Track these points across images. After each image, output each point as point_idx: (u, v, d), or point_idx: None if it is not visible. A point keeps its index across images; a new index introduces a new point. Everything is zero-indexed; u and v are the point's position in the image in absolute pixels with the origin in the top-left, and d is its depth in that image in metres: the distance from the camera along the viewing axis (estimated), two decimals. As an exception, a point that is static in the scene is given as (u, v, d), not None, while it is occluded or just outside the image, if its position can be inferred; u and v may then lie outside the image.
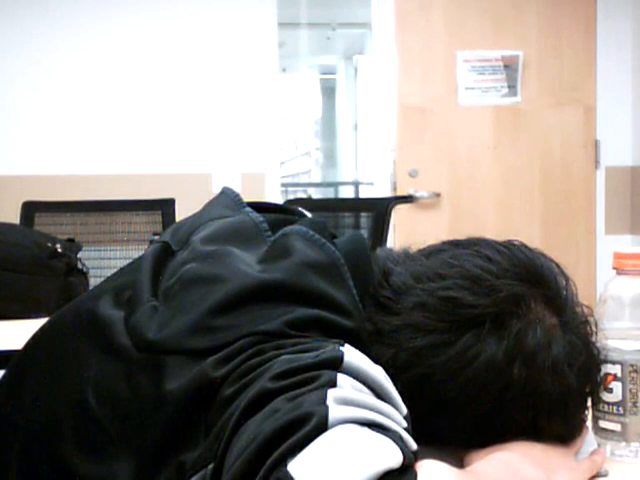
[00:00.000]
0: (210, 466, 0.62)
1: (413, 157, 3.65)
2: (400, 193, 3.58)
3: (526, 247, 0.82)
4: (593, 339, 0.80)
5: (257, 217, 0.87)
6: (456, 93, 3.68)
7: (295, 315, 0.72)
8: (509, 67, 3.70)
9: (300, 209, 0.95)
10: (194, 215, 0.93)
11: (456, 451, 0.77)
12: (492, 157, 3.70)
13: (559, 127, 3.70)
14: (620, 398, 0.85)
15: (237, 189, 0.95)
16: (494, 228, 3.58)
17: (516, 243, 0.83)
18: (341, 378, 0.62)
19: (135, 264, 0.87)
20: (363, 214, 2.69)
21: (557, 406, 0.77)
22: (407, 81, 3.62)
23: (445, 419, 0.77)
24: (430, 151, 3.67)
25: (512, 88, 3.71)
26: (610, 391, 0.85)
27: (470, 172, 3.69)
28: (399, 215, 3.50)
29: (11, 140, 3.67)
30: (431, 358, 0.75)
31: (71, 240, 2.09)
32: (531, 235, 3.58)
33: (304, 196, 7.18)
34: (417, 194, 3.63)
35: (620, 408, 0.85)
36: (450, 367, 0.75)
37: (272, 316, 0.72)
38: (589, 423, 0.85)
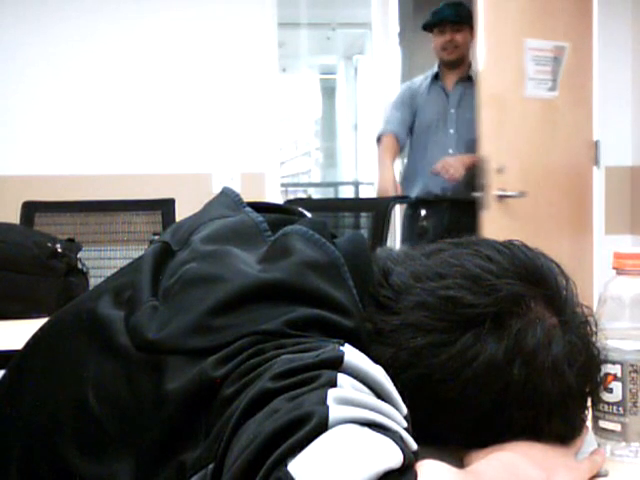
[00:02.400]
0: (210, 466, 0.62)
1: (494, 152, 3.33)
2: (493, 193, 3.26)
3: (526, 247, 0.83)
4: (593, 339, 0.80)
5: (257, 217, 0.87)
6: (524, 83, 3.42)
7: (295, 315, 0.72)
8: (556, 59, 3.52)
9: (300, 209, 0.95)
10: (194, 215, 0.93)
11: (456, 451, 0.77)
12: (540, 154, 3.50)
13: (563, 126, 3.66)
14: (620, 398, 0.85)
15: (237, 189, 0.95)
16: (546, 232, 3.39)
17: (516, 243, 0.83)
18: (341, 378, 0.62)
19: (135, 264, 0.87)
20: (363, 214, 2.69)
21: (557, 406, 0.77)
22: (492, 71, 3.33)
23: (445, 419, 0.77)
24: (509, 145, 3.39)
25: (554, 82, 3.53)
26: (610, 391, 0.85)
27: (537, 169, 3.45)
28: (487, 217, 3.25)
29: (11, 140, 3.67)
30: (431, 358, 0.75)
31: (71, 240, 2.09)
32: (560, 235, 3.51)
33: (304, 196, 7.19)
34: (505, 193, 3.30)
35: (620, 408, 0.85)
36: (450, 367, 0.75)
37: (272, 316, 0.72)
38: (589, 423, 0.85)
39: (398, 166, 3.68)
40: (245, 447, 0.57)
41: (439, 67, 3.53)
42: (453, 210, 3.38)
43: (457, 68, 3.47)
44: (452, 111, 3.42)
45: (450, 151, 3.36)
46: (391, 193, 3.28)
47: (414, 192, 3.44)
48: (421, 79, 3.65)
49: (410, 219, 3.50)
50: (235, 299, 0.73)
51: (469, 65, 3.48)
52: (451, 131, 3.41)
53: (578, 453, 0.80)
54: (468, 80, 3.44)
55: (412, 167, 3.55)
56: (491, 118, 3.34)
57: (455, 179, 3.24)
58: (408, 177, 3.56)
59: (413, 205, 3.47)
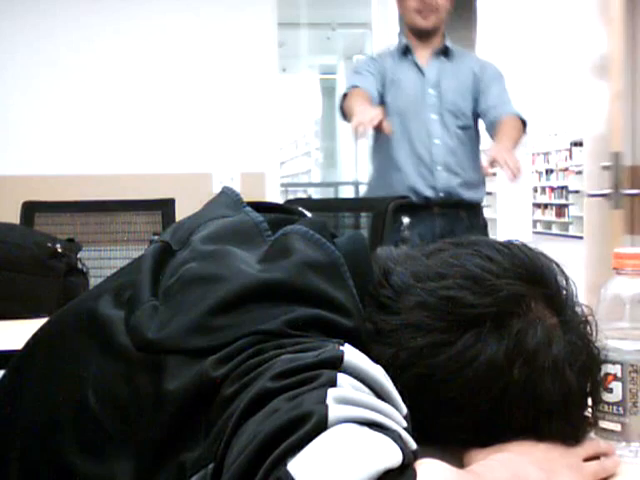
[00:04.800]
0: (210, 466, 0.62)
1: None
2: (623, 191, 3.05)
3: (526, 247, 0.83)
4: (593, 339, 0.80)
5: (257, 217, 0.87)
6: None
7: (295, 315, 0.72)
8: None
9: (300, 209, 0.95)
10: (194, 215, 0.93)
11: (456, 451, 0.77)
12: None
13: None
14: (620, 398, 0.85)
15: (237, 189, 0.95)
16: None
17: (516, 243, 0.83)
18: (341, 378, 0.62)
19: (135, 264, 0.87)
20: (363, 214, 2.68)
21: (558, 406, 0.77)
22: (624, 61, 3.17)
23: (445, 419, 0.77)
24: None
25: None
26: (610, 391, 0.85)
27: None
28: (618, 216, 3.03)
29: (11, 140, 3.67)
30: (431, 358, 0.75)
31: (71, 240, 2.08)
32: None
33: (304, 196, 7.19)
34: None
35: (620, 408, 0.85)
36: (450, 367, 0.75)
37: (272, 316, 0.72)
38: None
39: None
40: (245, 447, 0.57)
41: (408, 38, 2.79)
42: (448, 216, 2.70)
43: (431, 39, 2.75)
44: (431, 92, 2.72)
45: (436, 141, 2.69)
46: (369, 112, 2.39)
47: (390, 194, 2.62)
48: (385, 53, 2.87)
49: (389, 229, 2.58)
50: (235, 299, 0.73)
51: (443, 36, 2.78)
52: (433, 117, 2.70)
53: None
54: (444, 54, 2.77)
55: (385, 162, 2.73)
56: (624, 112, 3.15)
57: (517, 176, 2.38)
58: (380, 175, 2.78)
59: (392, 211, 2.59)
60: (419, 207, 2.64)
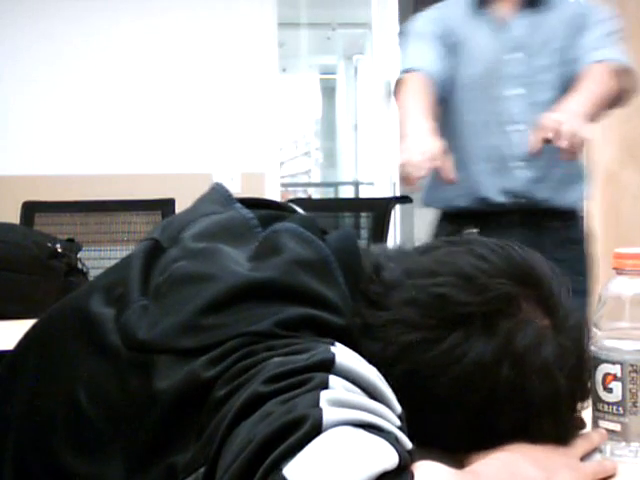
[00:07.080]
0: (201, 469, 0.61)
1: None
2: None
3: (522, 248, 0.82)
4: (585, 342, 0.80)
5: (247, 213, 0.87)
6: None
7: (285, 315, 0.72)
8: None
9: (291, 205, 0.94)
10: (184, 212, 0.93)
11: (455, 451, 0.76)
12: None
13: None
14: (620, 398, 0.85)
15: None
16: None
17: (512, 244, 0.82)
18: (333, 380, 0.61)
19: (126, 261, 0.87)
20: (363, 214, 2.69)
21: (547, 408, 0.76)
22: None
23: (434, 417, 0.76)
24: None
25: None
26: (610, 391, 0.85)
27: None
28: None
29: (11, 140, 3.67)
30: (419, 354, 0.75)
31: (71, 240, 2.09)
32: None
33: (304, 196, 7.19)
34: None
35: (620, 408, 0.85)
36: (437, 364, 0.74)
37: (262, 316, 0.72)
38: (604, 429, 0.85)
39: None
40: (240, 451, 0.56)
41: None
42: (531, 227, 1.95)
43: None
44: (515, 57, 1.96)
45: (519, 127, 1.91)
46: (424, 164, 1.62)
47: (453, 200, 1.98)
48: (452, 3, 2.07)
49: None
50: (225, 298, 0.73)
51: None
52: (517, 91, 1.95)
53: (588, 457, 0.80)
54: (533, 4, 1.98)
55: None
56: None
57: (575, 152, 1.65)
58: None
59: (453, 219, 2.02)
60: (490, 214, 1.96)
